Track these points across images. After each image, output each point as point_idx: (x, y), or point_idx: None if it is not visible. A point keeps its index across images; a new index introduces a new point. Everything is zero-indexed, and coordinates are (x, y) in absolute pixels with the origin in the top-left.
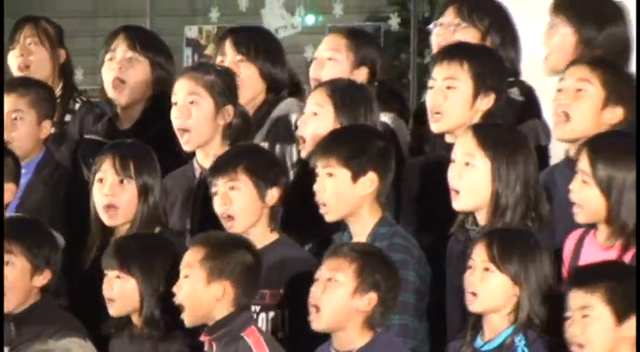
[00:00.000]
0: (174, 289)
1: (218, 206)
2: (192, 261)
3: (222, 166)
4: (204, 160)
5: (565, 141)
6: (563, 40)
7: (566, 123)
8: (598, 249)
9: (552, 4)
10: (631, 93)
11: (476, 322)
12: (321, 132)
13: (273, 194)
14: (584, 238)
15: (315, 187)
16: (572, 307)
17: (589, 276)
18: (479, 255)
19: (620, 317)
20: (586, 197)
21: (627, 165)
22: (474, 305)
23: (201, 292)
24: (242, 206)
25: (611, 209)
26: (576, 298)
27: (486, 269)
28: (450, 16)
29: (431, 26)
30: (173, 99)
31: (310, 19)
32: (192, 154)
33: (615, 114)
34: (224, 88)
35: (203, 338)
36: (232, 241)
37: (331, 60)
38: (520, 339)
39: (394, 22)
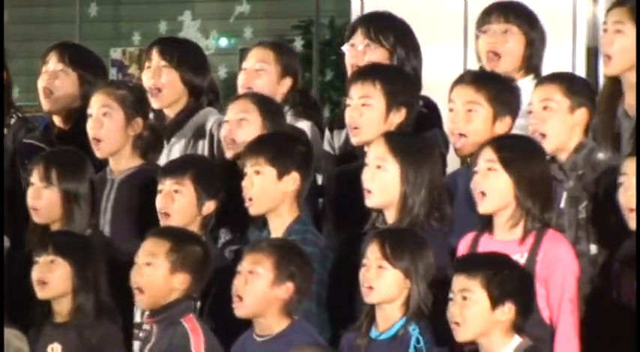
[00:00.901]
0: (133, 273)
1: (160, 202)
2: (156, 251)
3: (173, 168)
4: (116, 167)
5: (463, 155)
6: (516, 43)
7: (464, 140)
8: (494, 246)
9: (498, 11)
10: (514, 99)
11: (369, 313)
12: (250, 137)
13: (210, 206)
14: (479, 239)
15: (243, 183)
16: (454, 290)
17: (471, 264)
18: (373, 253)
19: (495, 302)
20: (492, 183)
21: (529, 155)
22: (370, 297)
23: (164, 280)
24: (180, 207)
25: (518, 190)
26: (459, 282)
27: (380, 267)
28: (359, 38)
29: (343, 48)
30: (89, 111)
31: (223, 42)
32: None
33: (505, 124)
34: (134, 101)
35: (146, 320)
36: (189, 236)
37: (260, 71)
38: (414, 328)
39: (298, 44)
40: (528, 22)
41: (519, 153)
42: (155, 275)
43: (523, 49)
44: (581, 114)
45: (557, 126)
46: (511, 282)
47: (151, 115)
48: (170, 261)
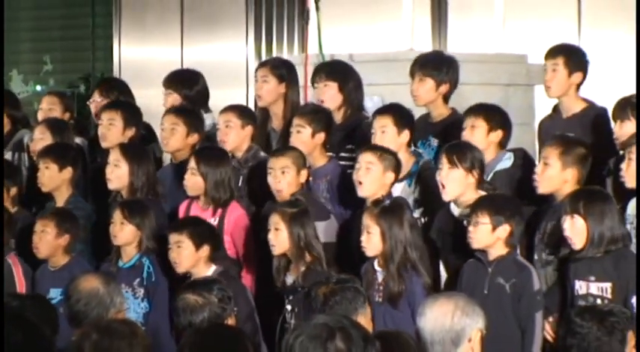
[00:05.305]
0: None
1: None
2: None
3: None
4: None
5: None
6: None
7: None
8: (200, 211)
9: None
10: (200, 121)
11: (117, 251)
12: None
13: (13, 190)
14: (191, 205)
15: (38, 174)
16: (171, 242)
17: (179, 224)
18: (117, 215)
19: (197, 246)
20: (192, 181)
21: (218, 161)
22: (116, 241)
23: None
24: None
25: (207, 189)
26: (172, 237)
27: (122, 223)
28: (97, 95)
29: (88, 102)
30: None
31: (38, 88)
32: None
33: (194, 138)
34: None
35: None
36: None
37: (50, 110)
38: (145, 260)
39: (82, 88)
40: (183, 85)
41: (208, 163)
42: None
43: (180, 101)
44: (249, 129)
45: (235, 137)
46: (205, 233)
47: None
48: None
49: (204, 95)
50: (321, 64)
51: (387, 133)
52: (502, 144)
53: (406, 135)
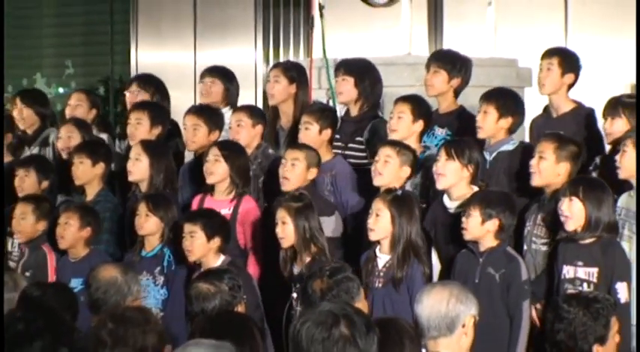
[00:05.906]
0: (15, 223)
1: (17, 183)
2: (25, 211)
3: (23, 163)
4: None
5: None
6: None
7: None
8: (214, 203)
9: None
10: (219, 119)
11: (141, 241)
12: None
13: (45, 183)
14: (205, 197)
15: (72, 169)
16: (185, 232)
17: (193, 215)
18: (142, 207)
19: (209, 238)
20: (216, 166)
21: (238, 153)
22: (141, 232)
23: (32, 226)
24: (28, 187)
25: (231, 174)
26: (186, 227)
27: (147, 215)
28: (134, 87)
29: (125, 92)
30: None
31: (60, 90)
32: None
33: (214, 135)
34: (7, 126)
35: (22, 246)
36: (40, 197)
37: (78, 106)
38: (166, 250)
39: (102, 91)
40: (227, 79)
41: (235, 151)
42: (27, 225)
43: (222, 92)
44: (259, 128)
45: (246, 135)
46: (217, 225)
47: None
48: (35, 215)
49: (238, 93)
50: (342, 60)
51: (403, 119)
52: (511, 130)
53: (420, 125)
